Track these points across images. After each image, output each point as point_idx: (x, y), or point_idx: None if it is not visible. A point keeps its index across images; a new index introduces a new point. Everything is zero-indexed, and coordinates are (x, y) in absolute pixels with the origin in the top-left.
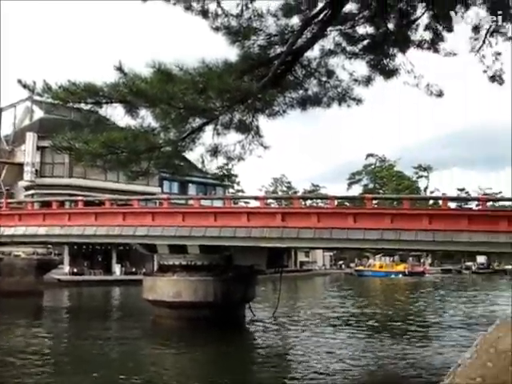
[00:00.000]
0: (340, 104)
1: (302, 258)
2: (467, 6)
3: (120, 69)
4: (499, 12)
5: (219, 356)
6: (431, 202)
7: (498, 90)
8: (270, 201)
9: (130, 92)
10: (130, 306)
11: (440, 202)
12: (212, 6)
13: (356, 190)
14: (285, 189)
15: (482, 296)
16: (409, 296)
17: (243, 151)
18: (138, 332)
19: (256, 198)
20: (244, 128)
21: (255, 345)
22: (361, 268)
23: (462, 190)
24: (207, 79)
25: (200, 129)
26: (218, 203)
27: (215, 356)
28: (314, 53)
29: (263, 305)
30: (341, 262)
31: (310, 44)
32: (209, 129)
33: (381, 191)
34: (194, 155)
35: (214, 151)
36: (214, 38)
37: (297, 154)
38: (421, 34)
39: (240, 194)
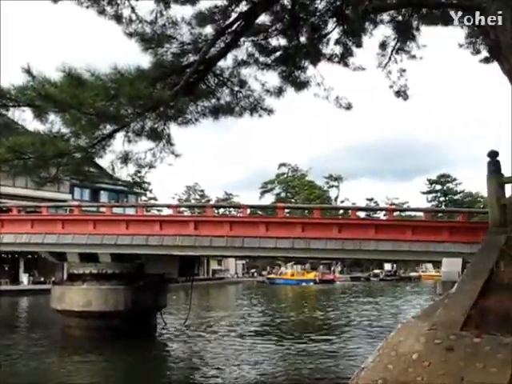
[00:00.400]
0: (252, 114)
1: (214, 266)
2: (375, 24)
3: (28, 71)
4: (404, 31)
5: (128, 366)
6: (341, 211)
7: (407, 105)
8: (182, 209)
9: (39, 96)
10: (37, 316)
11: (349, 211)
12: (126, 12)
13: (268, 199)
14: (198, 197)
15: (387, 301)
16: (318, 303)
17: (154, 159)
18: (47, 344)
19: (169, 206)
20: (155, 136)
21: (165, 354)
22: (272, 276)
23: (370, 199)
24: (119, 85)
25: (111, 135)
26: (130, 211)
27: (124, 366)
28: (226, 62)
29: (175, 313)
30: (253, 270)
31: (223, 53)
32: (120, 136)
33: (293, 200)
34: (105, 162)
35: (125, 158)
36: (128, 44)
37: (210, 162)
38: (331, 48)
39: (153, 201)
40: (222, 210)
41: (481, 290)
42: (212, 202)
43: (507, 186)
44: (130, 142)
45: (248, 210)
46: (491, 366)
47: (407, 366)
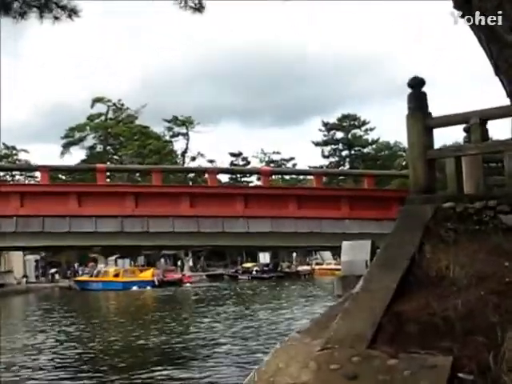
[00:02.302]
0: (42, 14)
1: None
2: None
3: None
4: None
5: None
6: (192, 174)
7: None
8: None
9: None
10: None
11: (206, 175)
12: None
13: (77, 156)
14: None
15: (264, 312)
16: (159, 319)
17: None
18: None
19: None
20: None
21: None
22: (84, 279)
23: (237, 155)
24: None
25: None
26: None
27: None
28: None
29: None
30: (53, 271)
31: None
32: None
33: (116, 157)
34: None
35: None
36: None
37: None
38: None
39: None
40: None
41: (397, 287)
42: None
43: (437, 137)
44: None
45: (47, 175)
46: None
47: None
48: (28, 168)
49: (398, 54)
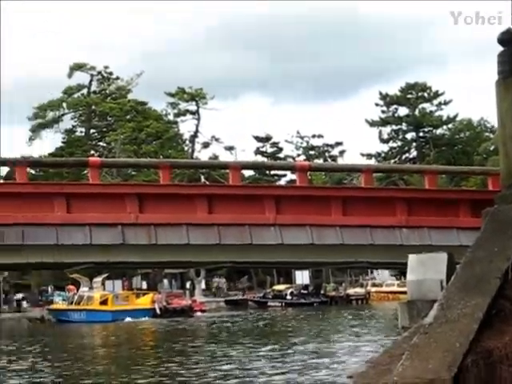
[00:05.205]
0: None
1: None
2: None
3: None
4: None
5: None
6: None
7: None
8: None
9: None
10: None
11: (228, 170)
12: None
13: (51, 141)
14: None
15: (309, 352)
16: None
17: None
18: None
19: None
20: None
21: None
22: (62, 307)
23: (265, 140)
24: None
25: None
26: None
27: None
28: None
29: None
30: (19, 297)
31: None
32: None
33: (102, 143)
34: None
35: None
36: None
37: None
38: None
39: None
40: None
41: (484, 316)
42: None
43: None
44: None
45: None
46: None
47: None
48: (3, 161)
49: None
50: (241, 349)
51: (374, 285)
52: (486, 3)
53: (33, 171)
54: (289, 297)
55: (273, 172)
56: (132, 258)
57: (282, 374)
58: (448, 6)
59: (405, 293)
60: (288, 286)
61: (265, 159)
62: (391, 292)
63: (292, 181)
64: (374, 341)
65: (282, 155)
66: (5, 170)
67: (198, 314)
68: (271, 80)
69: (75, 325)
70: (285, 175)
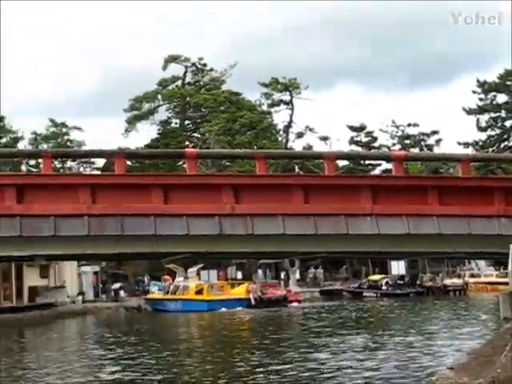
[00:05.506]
0: None
1: (33, 279)
2: None
3: None
4: None
5: None
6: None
7: None
8: None
9: None
10: None
11: (322, 160)
12: None
13: (146, 133)
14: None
15: (416, 344)
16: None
17: None
18: None
19: None
20: None
21: None
22: (159, 296)
23: (359, 129)
24: None
25: None
26: None
27: None
28: None
29: None
30: (117, 287)
31: None
32: None
33: (197, 134)
34: None
35: None
36: None
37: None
38: None
39: None
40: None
41: None
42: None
43: None
44: None
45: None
46: None
47: None
48: (101, 152)
49: None
50: (336, 339)
51: (471, 275)
52: None
53: (129, 163)
54: (384, 287)
55: (367, 162)
56: (229, 248)
57: (379, 364)
58: None
59: (504, 283)
60: (383, 276)
61: (359, 149)
62: (490, 283)
63: (387, 170)
64: (473, 332)
65: (376, 144)
66: (101, 161)
67: (293, 304)
68: (365, 69)
69: (171, 314)
70: (379, 165)
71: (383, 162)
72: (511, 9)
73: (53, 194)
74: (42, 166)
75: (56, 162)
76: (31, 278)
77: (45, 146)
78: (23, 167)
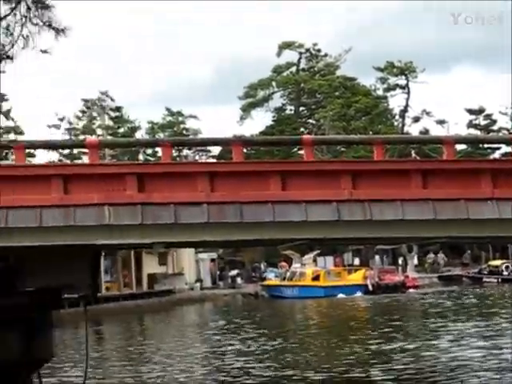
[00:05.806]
0: None
1: (152, 267)
2: None
3: None
4: None
5: None
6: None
7: None
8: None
9: None
10: None
11: (442, 145)
12: None
13: (261, 120)
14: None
15: None
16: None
17: None
18: None
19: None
20: None
21: None
22: (275, 283)
23: (477, 111)
24: None
25: None
26: None
27: None
28: None
29: (71, 366)
30: (234, 273)
31: None
32: None
33: (311, 120)
34: None
35: None
36: None
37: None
38: None
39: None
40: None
41: None
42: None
43: None
44: None
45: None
46: None
47: None
48: (217, 141)
49: None
50: (455, 325)
51: None
52: None
53: (244, 150)
54: (505, 272)
55: (486, 145)
56: (347, 234)
57: (497, 352)
58: None
59: None
60: (504, 261)
61: (478, 132)
62: None
63: (508, 153)
64: None
65: (495, 127)
66: (217, 149)
67: (411, 290)
68: (484, 51)
69: (288, 300)
70: (499, 148)
71: (503, 146)
72: None
73: (172, 182)
74: (160, 154)
75: (172, 151)
76: (150, 265)
77: (161, 135)
78: (140, 156)
